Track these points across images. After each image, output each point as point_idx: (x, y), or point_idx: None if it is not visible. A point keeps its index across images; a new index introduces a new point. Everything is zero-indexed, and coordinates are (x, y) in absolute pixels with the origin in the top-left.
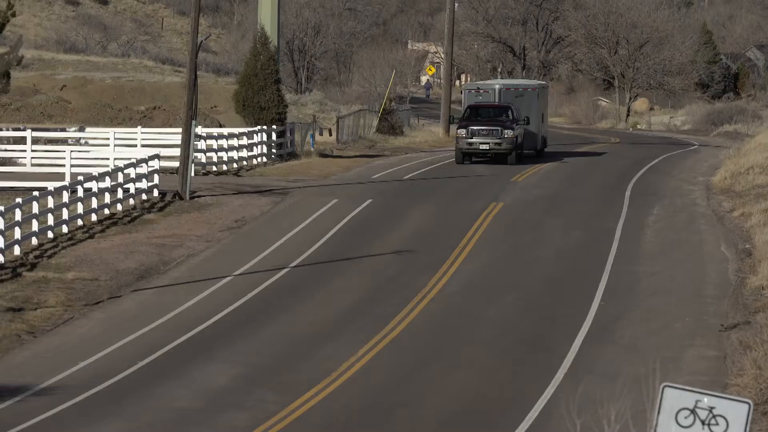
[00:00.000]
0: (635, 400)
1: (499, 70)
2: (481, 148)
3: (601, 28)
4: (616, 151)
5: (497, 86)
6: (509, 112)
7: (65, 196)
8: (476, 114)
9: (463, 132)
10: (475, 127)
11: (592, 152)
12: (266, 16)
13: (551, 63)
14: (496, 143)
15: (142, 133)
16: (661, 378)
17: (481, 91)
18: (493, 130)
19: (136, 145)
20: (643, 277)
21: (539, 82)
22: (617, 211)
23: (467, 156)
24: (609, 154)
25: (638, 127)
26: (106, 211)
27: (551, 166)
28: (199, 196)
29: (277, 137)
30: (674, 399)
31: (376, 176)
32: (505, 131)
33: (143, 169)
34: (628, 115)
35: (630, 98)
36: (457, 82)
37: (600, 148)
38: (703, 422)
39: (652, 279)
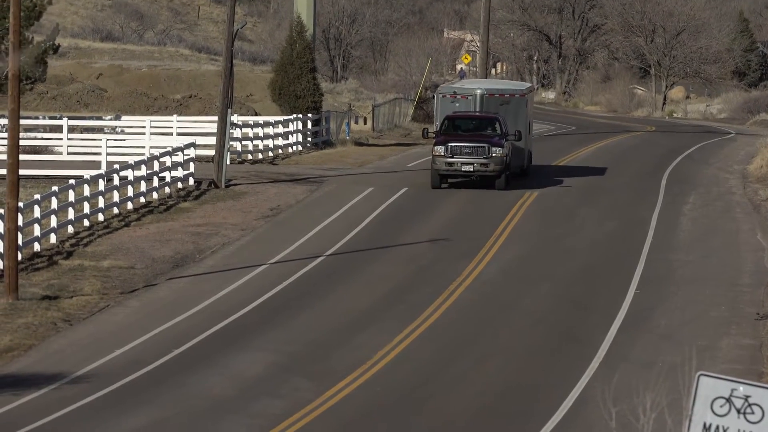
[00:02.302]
0: (671, 389)
1: (535, 58)
2: (463, 169)
3: (637, 16)
4: (651, 140)
5: (478, 91)
6: (497, 125)
7: (101, 185)
8: (455, 126)
9: (440, 149)
10: (456, 144)
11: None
12: (302, 4)
13: (587, 51)
14: (482, 164)
15: (177, 121)
16: (696, 367)
17: (459, 97)
18: (478, 147)
19: (171, 134)
20: (679, 266)
21: (526, 84)
22: (653, 200)
23: (445, 179)
24: (645, 143)
25: (674, 115)
26: (142, 200)
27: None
28: (234, 185)
29: (312, 126)
30: (710, 388)
31: (411, 165)
32: (494, 149)
33: (179, 158)
34: (664, 104)
35: (666, 86)
36: (493, 71)
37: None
38: (738, 411)
39: (688, 268)
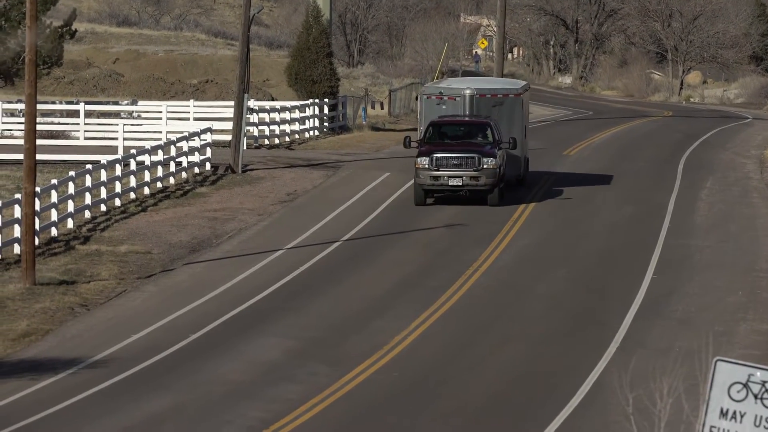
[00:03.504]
0: (687, 374)
1: (552, 43)
2: (450, 184)
3: (654, 1)
4: (669, 124)
5: (468, 92)
6: (489, 131)
7: (118, 170)
8: (441, 134)
9: (424, 161)
10: (442, 155)
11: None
12: None
13: (604, 36)
14: (472, 177)
15: (194, 106)
16: (713, 352)
17: (446, 98)
18: (467, 158)
19: (188, 119)
20: (696, 251)
21: (521, 82)
22: (670, 185)
23: (430, 194)
24: (662, 128)
25: (691, 100)
26: (159, 185)
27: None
28: (251, 170)
29: (329, 110)
30: (727, 373)
31: None
32: (485, 160)
33: (195, 143)
34: (681, 89)
35: (683, 71)
36: (509, 56)
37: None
38: (755, 396)
39: (705, 253)
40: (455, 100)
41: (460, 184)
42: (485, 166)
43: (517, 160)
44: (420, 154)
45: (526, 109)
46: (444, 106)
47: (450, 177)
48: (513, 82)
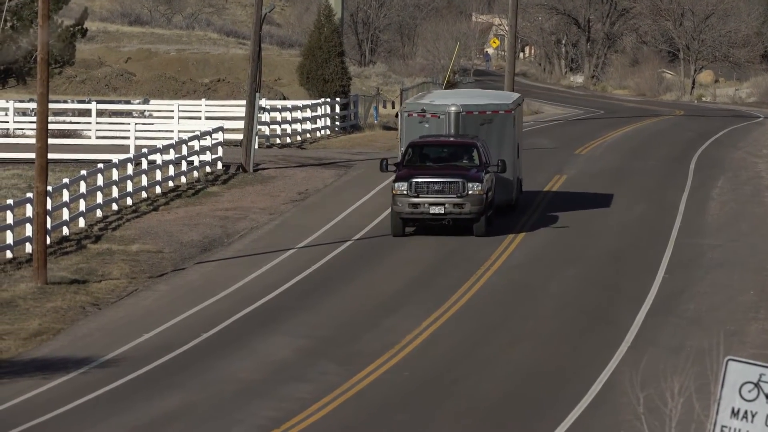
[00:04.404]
0: (699, 374)
1: (563, 42)
2: (431, 212)
3: (666, 0)
4: (680, 124)
5: (453, 109)
6: (475, 153)
7: (129, 169)
8: (422, 156)
9: (402, 187)
10: (422, 180)
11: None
12: None
13: (616, 35)
14: (456, 204)
15: (206, 105)
16: (724, 351)
17: (428, 115)
18: (450, 183)
19: (200, 118)
20: (707, 250)
21: (513, 96)
22: (681, 184)
23: (410, 223)
24: (673, 127)
25: (703, 99)
26: (170, 184)
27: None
28: (262, 169)
29: (340, 110)
30: (738, 373)
31: None
32: (470, 185)
33: (207, 142)
34: (692, 88)
35: (695, 70)
36: (521, 55)
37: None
38: (767, 396)
39: (716, 252)
40: (439, 117)
41: (443, 212)
42: (470, 192)
43: (508, 183)
44: (397, 179)
45: (519, 126)
46: (427, 125)
47: (431, 204)
48: (504, 95)
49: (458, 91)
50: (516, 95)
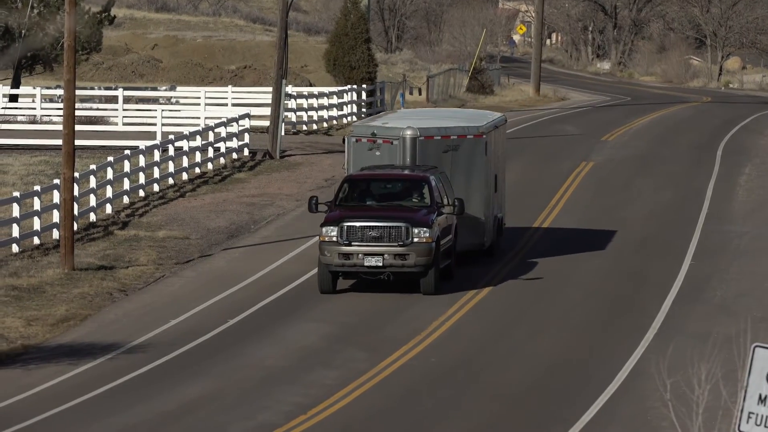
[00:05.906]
0: (726, 361)
1: (590, 29)
2: (367, 264)
3: None
4: (707, 110)
5: (409, 133)
6: (426, 190)
7: (156, 155)
8: (360, 194)
9: (332, 232)
10: (355, 223)
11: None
12: None
13: (643, 21)
14: (397, 255)
15: (232, 92)
16: (751, 338)
17: (379, 141)
18: (390, 228)
19: (226, 105)
20: (734, 237)
21: (492, 116)
22: (708, 171)
23: (341, 276)
24: (700, 113)
25: (730, 86)
26: (197, 170)
27: None
28: (289, 155)
29: (367, 96)
30: (765, 359)
31: None
32: (416, 230)
33: (234, 129)
34: (720, 74)
35: (722, 57)
36: (548, 41)
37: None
38: None
39: (743, 239)
40: (392, 143)
41: (381, 264)
42: (416, 240)
43: (478, 224)
44: (326, 222)
45: (498, 153)
46: (378, 152)
47: (366, 254)
48: (478, 116)
49: (422, 111)
50: (496, 115)
